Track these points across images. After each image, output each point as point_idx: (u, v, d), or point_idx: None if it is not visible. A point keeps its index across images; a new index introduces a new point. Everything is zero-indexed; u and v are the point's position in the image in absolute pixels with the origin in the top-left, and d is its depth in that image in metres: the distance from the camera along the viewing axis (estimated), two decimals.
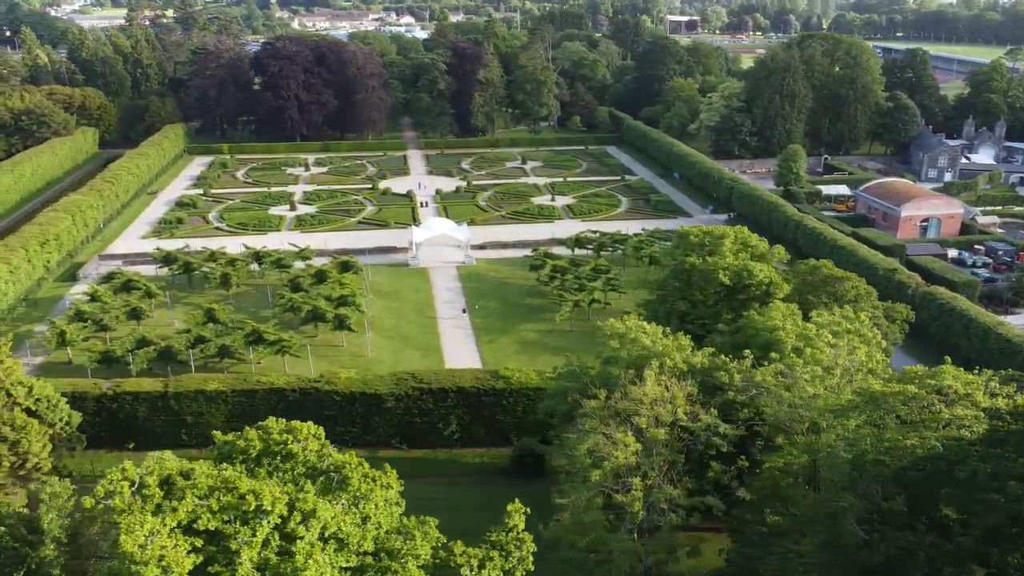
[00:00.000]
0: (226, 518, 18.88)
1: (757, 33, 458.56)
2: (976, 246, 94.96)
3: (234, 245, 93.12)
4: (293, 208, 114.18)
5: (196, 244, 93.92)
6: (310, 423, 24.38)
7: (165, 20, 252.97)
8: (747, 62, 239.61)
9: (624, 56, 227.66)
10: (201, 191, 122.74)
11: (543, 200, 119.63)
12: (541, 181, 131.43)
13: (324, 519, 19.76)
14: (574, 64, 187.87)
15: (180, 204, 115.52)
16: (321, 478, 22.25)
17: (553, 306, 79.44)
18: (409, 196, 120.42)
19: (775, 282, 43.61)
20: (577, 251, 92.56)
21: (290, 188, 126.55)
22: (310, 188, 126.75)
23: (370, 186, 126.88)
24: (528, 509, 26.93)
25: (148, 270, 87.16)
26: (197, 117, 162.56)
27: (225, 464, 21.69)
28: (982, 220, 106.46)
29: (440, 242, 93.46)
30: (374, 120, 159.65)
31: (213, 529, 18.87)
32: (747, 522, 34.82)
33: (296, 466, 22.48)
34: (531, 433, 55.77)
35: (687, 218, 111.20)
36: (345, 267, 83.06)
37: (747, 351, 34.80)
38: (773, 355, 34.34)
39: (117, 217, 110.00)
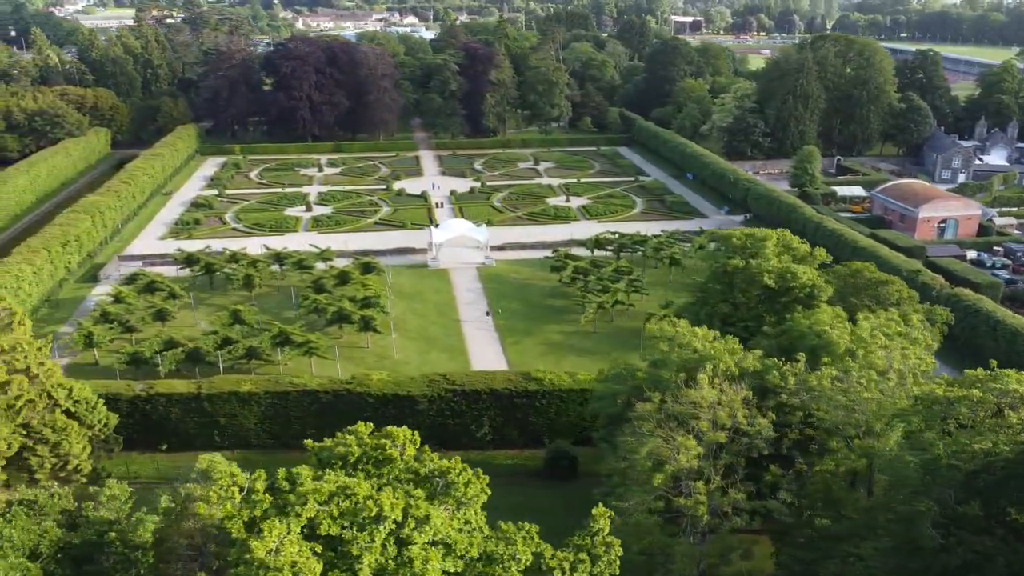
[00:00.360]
0: (345, 524, 18.89)
1: (761, 34, 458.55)
2: (995, 248, 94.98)
3: (252, 246, 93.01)
4: (309, 209, 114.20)
5: (216, 245, 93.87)
6: (405, 428, 24.41)
7: (171, 20, 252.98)
8: (754, 63, 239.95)
9: (631, 57, 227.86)
10: (216, 192, 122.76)
11: (558, 201, 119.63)
12: (555, 182, 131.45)
13: (436, 524, 19.81)
14: (583, 65, 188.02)
15: (196, 205, 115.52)
16: (425, 483, 22.26)
17: (575, 307, 79.50)
18: (424, 197, 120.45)
19: (818, 285, 43.69)
20: (596, 252, 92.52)
21: (304, 189, 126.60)
22: (324, 189, 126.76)
23: (384, 187, 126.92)
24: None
25: (168, 271, 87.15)
26: (208, 118, 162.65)
27: (328, 470, 21.67)
28: (999, 221, 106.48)
29: (460, 243, 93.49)
30: (386, 121, 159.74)
31: (333, 535, 18.90)
32: (794, 525, 34.80)
33: (393, 471, 22.49)
34: (564, 435, 55.83)
35: (703, 219, 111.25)
36: (367, 268, 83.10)
37: (800, 354, 34.81)
38: (825, 359, 34.35)
39: (134, 218, 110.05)
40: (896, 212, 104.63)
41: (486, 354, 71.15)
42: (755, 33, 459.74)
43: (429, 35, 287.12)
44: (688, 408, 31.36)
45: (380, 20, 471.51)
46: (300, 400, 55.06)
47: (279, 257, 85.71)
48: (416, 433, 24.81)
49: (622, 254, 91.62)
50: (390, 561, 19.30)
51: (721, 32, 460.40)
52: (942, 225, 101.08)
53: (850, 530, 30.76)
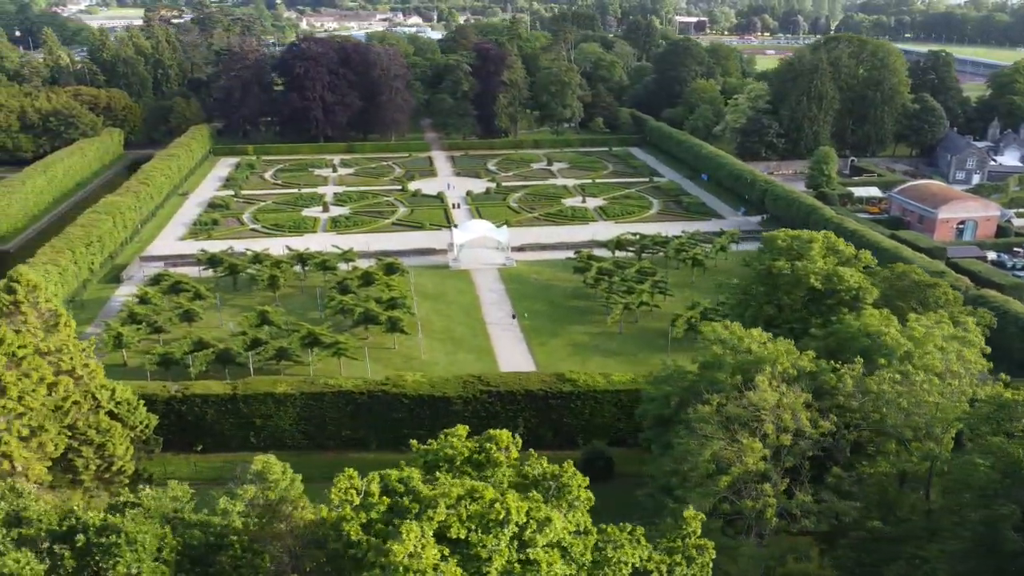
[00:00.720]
0: (472, 527, 18.93)
1: (765, 34, 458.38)
2: (1015, 248, 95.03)
3: (272, 247, 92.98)
4: (326, 209, 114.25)
5: (236, 246, 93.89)
6: (506, 431, 24.46)
7: (179, 20, 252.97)
8: (760, 64, 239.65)
9: (639, 57, 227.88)
10: (232, 192, 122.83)
11: (574, 202, 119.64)
12: (570, 183, 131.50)
13: (556, 527, 19.88)
14: (593, 65, 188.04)
15: (213, 205, 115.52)
16: (535, 486, 22.30)
17: (598, 308, 79.62)
18: (440, 198, 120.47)
19: (864, 288, 43.74)
20: (617, 253, 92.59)
21: (320, 189, 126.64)
22: (340, 189, 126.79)
23: (399, 187, 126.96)
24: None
25: (190, 271, 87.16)
26: (220, 118, 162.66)
27: (438, 473, 21.72)
28: (1017, 223, 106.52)
29: (481, 244, 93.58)
30: (398, 121, 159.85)
31: (461, 538, 18.95)
32: (846, 527, 34.80)
33: (497, 473, 22.54)
34: (598, 436, 55.96)
35: (720, 220, 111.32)
36: (390, 269, 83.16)
37: (859, 357, 34.87)
38: (882, 360, 34.41)
39: (151, 218, 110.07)
40: (915, 213, 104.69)
41: (513, 355, 71.23)
42: (759, 34, 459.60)
43: (435, 35, 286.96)
44: (748, 411, 31.42)
45: (384, 20, 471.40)
46: (335, 401, 55.15)
47: (302, 258, 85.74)
48: (517, 436, 24.81)
49: (643, 255, 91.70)
50: (515, 564, 19.37)
51: (725, 33, 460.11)
52: (961, 226, 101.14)
53: (909, 532, 30.81)
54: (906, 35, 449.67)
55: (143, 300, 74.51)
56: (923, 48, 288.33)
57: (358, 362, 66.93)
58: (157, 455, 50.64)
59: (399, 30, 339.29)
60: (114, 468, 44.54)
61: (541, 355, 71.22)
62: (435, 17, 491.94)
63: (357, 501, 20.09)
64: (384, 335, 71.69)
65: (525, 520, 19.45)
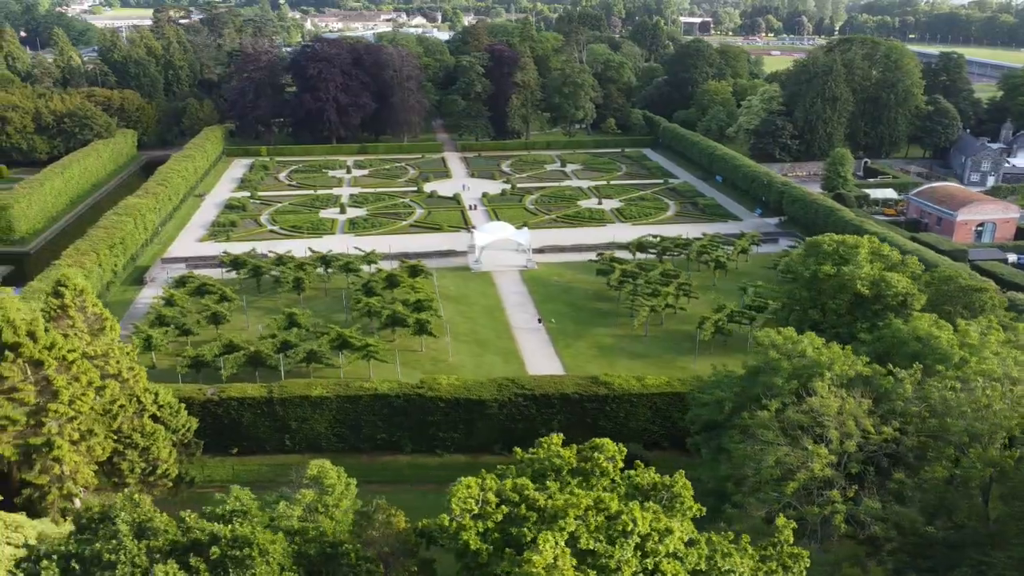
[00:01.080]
0: (600, 537, 19.02)
1: (770, 35, 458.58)
2: None
3: (292, 248, 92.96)
4: (343, 211, 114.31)
5: (256, 247, 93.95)
6: (608, 439, 24.52)
7: (187, 21, 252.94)
8: (768, 64, 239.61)
9: (646, 58, 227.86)
10: (248, 193, 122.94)
11: (590, 203, 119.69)
12: (584, 184, 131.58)
13: (675, 538, 19.98)
14: (603, 66, 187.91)
15: (230, 207, 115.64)
16: (645, 496, 22.38)
17: (622, 310, 79.71)
18: (456, 199, 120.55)
19: (911, 293, 43.81)
20: (637, 255, 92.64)
21: (335, 191, 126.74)
22: (355, 191, 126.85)
23: (415, 189, 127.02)
24: None
25: (211, 273, 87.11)
26: (233, 119, 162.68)
27: (548, 482, 21.79)
28: None
29: (502, 246, 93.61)
30: (412, 122, 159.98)
31: (590, 548, 19.04)
32: (906, 532, 34.79)
33: (602, 482, 22.60)
34: (632, 439, 55.89)
35: (737, 222, 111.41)
36: (414, 271, 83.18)
37: (916, 363, 34.93)
38: (940, 367, 34.48)
39: (169, 220, 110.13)
40: (933, 215, 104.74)
41: (540, 357, 71.26)
42: (764, 34, 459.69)
43: (442, 36, 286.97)
44: (809, 416, 31.48)
45: (388, 20, 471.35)
46: (371, 404, 55.20)
47: (325, 260, 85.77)
48: (623, 446, 24.87)
49: (664, 257, 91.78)
50: (641, 575, 19.45)
51: (730, 33, 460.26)
52: (979, 228, 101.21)
53: (970, 538, 30.86)
54: (910, 35, 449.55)
55: (169, 302, 74.60)
56: (928, 49, 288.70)
57: (386, 365, 66.92)
58: (198, 458, 50.71)
59: (405, 31, 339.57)
60: (158, 471, 44.67)
61: (568, 357, 71.26)
62: (439, 17, 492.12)
63: (476, 510, 20.15)
64: (411, 338, 71.74)
65: (648, 531, 19.54)
